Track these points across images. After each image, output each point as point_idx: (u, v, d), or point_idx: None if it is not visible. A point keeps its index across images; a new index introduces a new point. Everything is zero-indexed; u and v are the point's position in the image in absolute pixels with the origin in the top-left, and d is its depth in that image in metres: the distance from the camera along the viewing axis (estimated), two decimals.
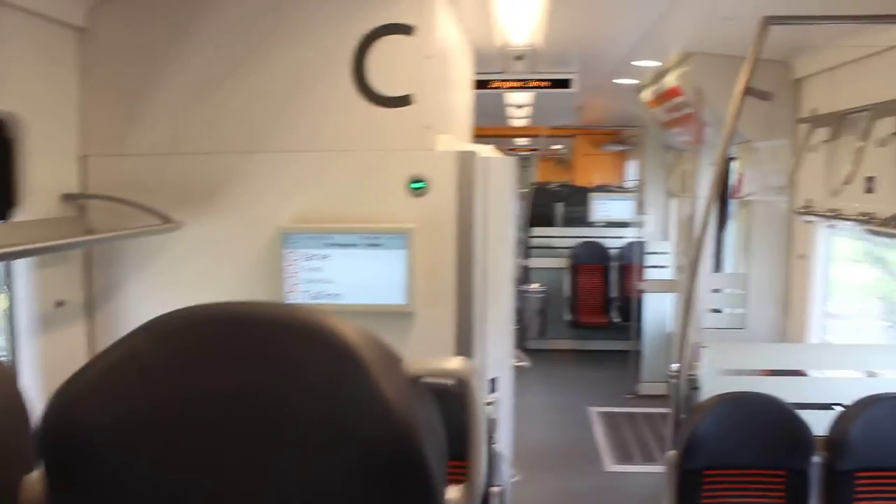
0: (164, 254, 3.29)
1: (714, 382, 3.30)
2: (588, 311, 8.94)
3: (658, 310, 7.46)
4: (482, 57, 5.26)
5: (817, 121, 4.39)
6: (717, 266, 6.54)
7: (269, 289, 3.21)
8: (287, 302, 3.18)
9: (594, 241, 9.17)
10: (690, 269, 3.14)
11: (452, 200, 3.14)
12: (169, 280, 3.31)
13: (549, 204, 10.26)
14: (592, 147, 13.10)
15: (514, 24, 4.26)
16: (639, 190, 8.31)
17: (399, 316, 3.19)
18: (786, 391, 3.20)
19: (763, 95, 3.02)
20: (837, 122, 4.10)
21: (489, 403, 3.95)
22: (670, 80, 5.56)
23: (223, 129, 3.23)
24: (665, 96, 5.85)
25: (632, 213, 8.96)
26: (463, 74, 4.43)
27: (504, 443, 4.63)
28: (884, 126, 3.60)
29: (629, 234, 9.13)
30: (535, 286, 8.96)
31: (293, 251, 3.18)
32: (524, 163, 16.93)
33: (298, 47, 3.16)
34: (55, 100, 3.07)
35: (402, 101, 3.14)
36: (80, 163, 3.21)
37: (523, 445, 6.18)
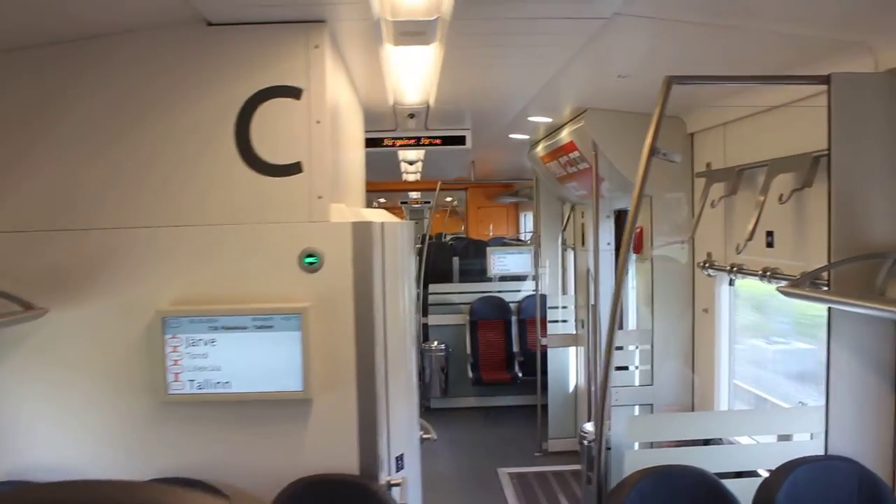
0: (25, 342, 2.89)
1: (635, 455, 3.14)
2: (490, 368, 8.75)
3: (562, 364, 7.36)
4: (373, 114, 5.07)
5: (714, 175, 4.40)
6: (620, 321, 6.50)
7: (149, 379, 2.85)
8: (169, 393, 2.83)
9: (493, 296, 9.04)
10: (609, 325, 2.99)
11: (349, 275, 2.88)
12: (32, 372, 2.91)
13: (447, 258, 10.11)
14: (486, 199, 13.12)
15: (406, 84, 4.08)
16: (534, 243, 8.27)
17: (295, 403, 2.89)
18: (707, 460, 3.07)
19: (670, 157, 2.93)
20: (735, 177, 4.11)
21: (395, 484, 3.67)
22: (565, 136, 5.52)
23: (92, 203, 2.89)
24: (559, 151, 5.81)
25: (528, 267, 8.90)
26: (355, 135, 4.21)
27: None
28: (781, 181, 3.61)
29: (527, 288, 9.06)
30: (435, 344, 8.75)
31: (175, 336, 2.84)
32: (416, 216, 16.85)
33: (177, 113, 2.87)
34: None
35: (292, 169, 2.88)
36: None
37: None
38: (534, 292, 8.07)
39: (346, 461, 2.93)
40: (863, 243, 2.95)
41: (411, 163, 8.59)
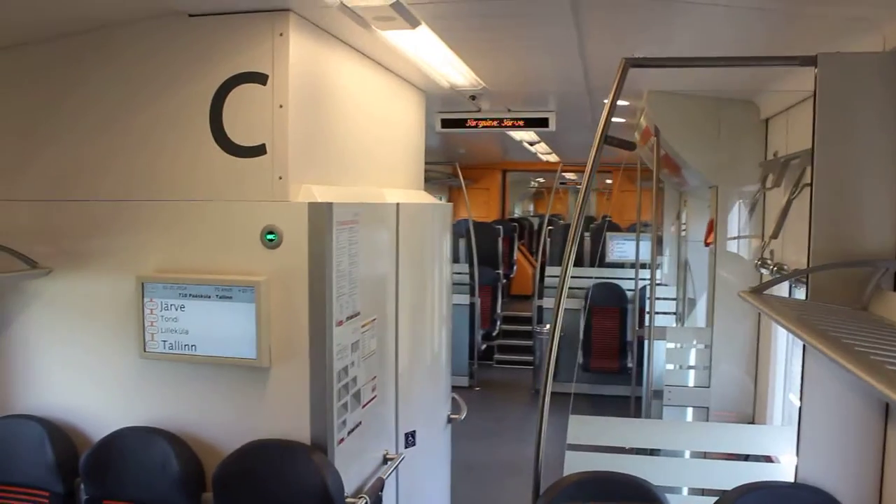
0: (38, 299, 3.32)
1: (575, 456, 3.03)
2: (600, 355, 8.53)
3: (661, 357, 7.04)
4: (445, 98, 5.13)
5: (767, 166, 4.04)
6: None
7: (131, 337, 3.17)
8: (147, 350, 3.14)
9: (610, 283, 8.77)
10: (555, 310, 2.86)
11: (304, 253, 3.02)
12: (44, 325, 3.33)
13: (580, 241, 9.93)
14: (630, 183, 12.57)
15: (436, 65, 4.10)
16: (655, 229, 7.90)
17: (252, 370, 3.09)
18: (655, 472, 2.89)
19: (625, 145, 2.77)
20: (780, 167, 3.76)
21: (390, 459, 3.79)
22: (642, 121, 5.28)
23: (90, 178, 3.23)
24: (644, 136, 5.55)
25: (643, 254, 8.54)
26: (389, 119, 4.29)
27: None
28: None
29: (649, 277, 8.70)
30: (547, 328, 8.67)
31: (151, 300, 3.14)
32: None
33: (162, 98, 3.13)
34: None
35: (257, 150, 3.05)
36: None
37: None
38: (657, 282, 7.76)
39: (299, 429, 3.09)
40: (848, 249, 2.62)
41: (531, 144, 8.52)
